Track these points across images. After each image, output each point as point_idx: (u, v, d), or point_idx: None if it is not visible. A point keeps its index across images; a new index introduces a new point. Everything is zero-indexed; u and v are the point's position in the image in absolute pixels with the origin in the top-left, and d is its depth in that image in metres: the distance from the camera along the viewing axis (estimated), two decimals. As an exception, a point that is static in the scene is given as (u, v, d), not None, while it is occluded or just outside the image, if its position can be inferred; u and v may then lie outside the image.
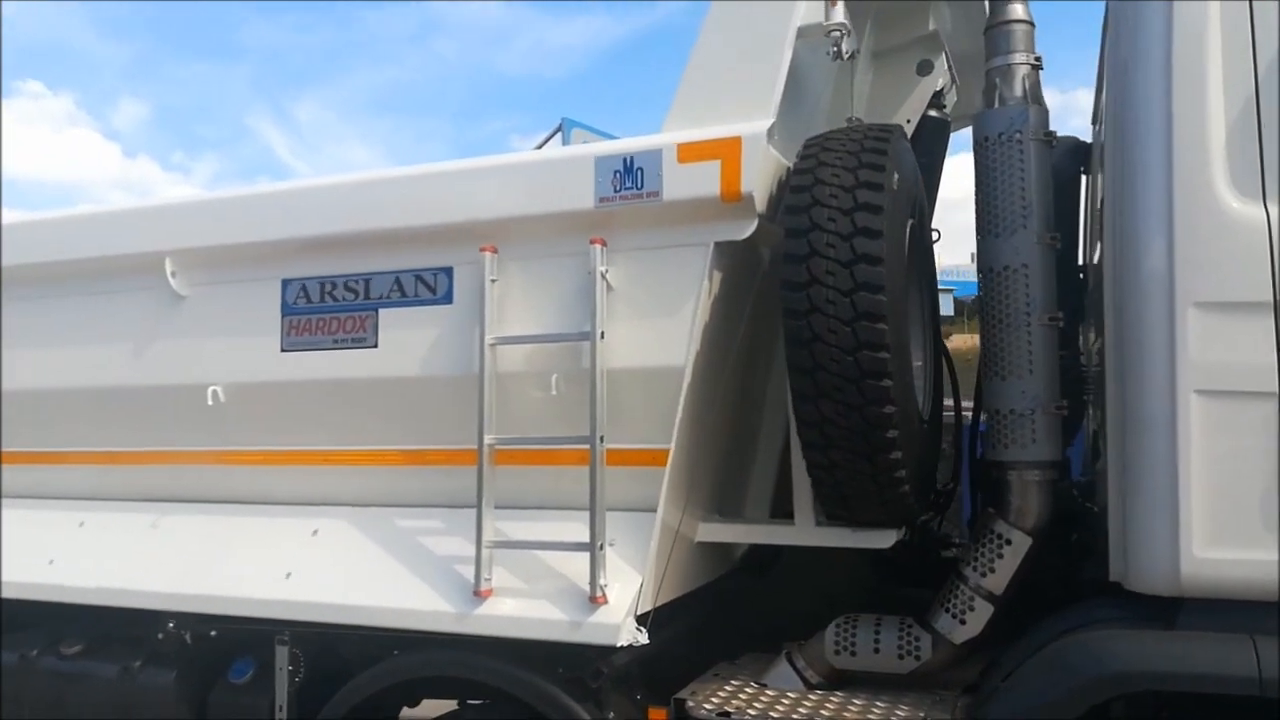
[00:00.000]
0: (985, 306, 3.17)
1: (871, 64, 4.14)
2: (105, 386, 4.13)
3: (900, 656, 3.15)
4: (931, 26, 4.15)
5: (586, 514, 3.33)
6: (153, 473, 4.17)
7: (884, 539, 3.27)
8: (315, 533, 3.79)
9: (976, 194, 3.24)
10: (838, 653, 3.21)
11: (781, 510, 4.29)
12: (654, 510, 3.28)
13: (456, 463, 3.61)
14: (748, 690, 3.23)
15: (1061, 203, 3.48)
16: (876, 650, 3.17)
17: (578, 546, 3.16)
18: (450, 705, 3.78)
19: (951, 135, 4.70)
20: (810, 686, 3.24)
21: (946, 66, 4.28)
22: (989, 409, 3.18)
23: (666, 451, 3.24)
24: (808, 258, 2.86)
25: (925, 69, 4.17)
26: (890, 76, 4.20)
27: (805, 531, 3.41)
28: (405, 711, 3.97)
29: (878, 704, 3.04)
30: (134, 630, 4.13)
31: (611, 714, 3.24)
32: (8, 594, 4.15)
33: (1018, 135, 3.11)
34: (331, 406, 3.76)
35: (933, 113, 4.25)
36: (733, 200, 3.06)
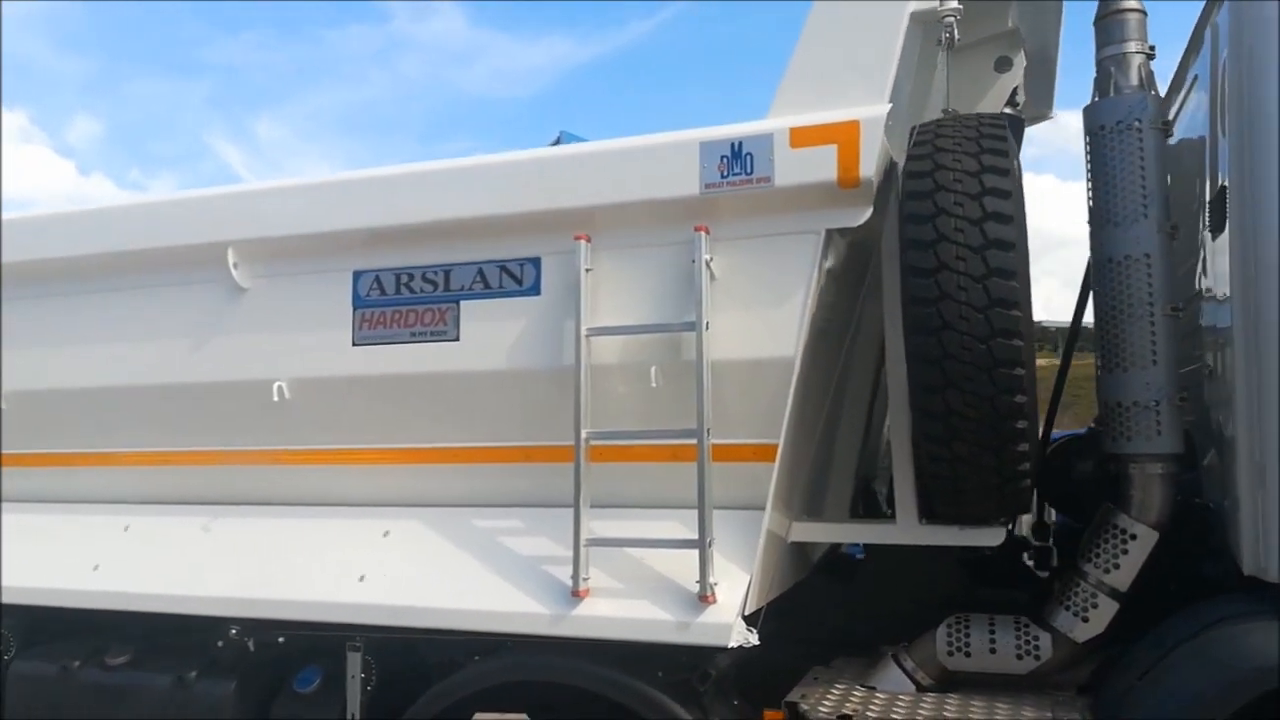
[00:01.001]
0: (1103, 298, 3.11)
1: (950, 59, 4.09)
2: (158, 384, 3.95)
3: (1019, 656, 3.06)
4: (1011, 24, 4.12)
5: (679, 512, 3.25)
6: (206, 474, 3.99)
7: (992, 536, 3.18)
8: (387, 534, 3.63)
9: (1091, 184, 3.19)
10: (951, 654, 3.11)
11: (859, 510, 4.25)
12: (753, 508, 3.19)
13: (539, 460, 3.50)
14: (857, 693, 3.12)
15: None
16: (993, 651, 3.08)
17: (684, 544, 3.04)
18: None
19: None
20: (921, 689, 3.14)
21: (1022, 64, 4.25)
22: (1107, 402, 3.11)
23: (772, 447, 3.15)
24: (935, 243, 2.78)
25: (1004, 65, 4.14)
26: (968, 72, 4.15)
27: (908, 530, 3.31)
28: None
29: (1000, 705, 2.94)
30: (184, 639, 3.95)
31: (715, 719, 3.13)
32: (48, 601, 3.94)
33: (1136, 124, 3.06)
34: (406, 403, 3.61)
35: (1008, 110, 4.22)
36: (850, 186, 2.98)
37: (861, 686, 3.19)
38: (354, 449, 3.75)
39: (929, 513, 3.24)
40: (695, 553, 3.08)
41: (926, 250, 2.79)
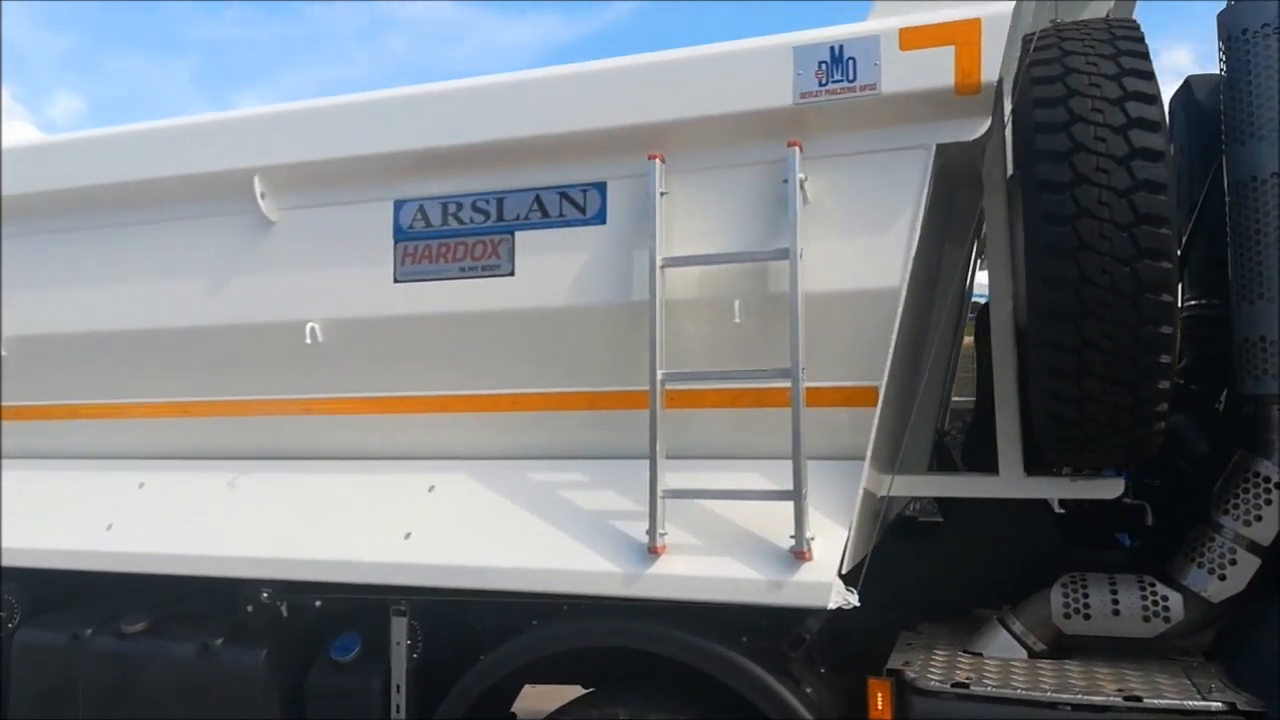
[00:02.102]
0: (1237, 223, 2.81)
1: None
2: (176, 328, 3.60)
3: (1146, 619, 2.77)
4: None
5: (759, 463, 2.97)
6: (229, 425, 3.66)
7: (1109, 488, 2.90)
8: (432, 489, 3.31)
9: (1225, 96, 2.88)
10: (1068, 616, 2.83)
11: (933, 465, 3.96)
12: (845, 458, 2.89)
13: (602, 407, 3.18)
14: (964, 659, 2.83)
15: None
16: (1115, 613, 2.79)
17: (777, 495, 2.74)
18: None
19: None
20: (1033, 654, 2.86)
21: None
22: (1243, 338, 2.81)
23: (871, 390, 2.84)
24: (1071, 154, 2.47)
25: (1095, -15, 3.82)
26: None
27: (1013, 482, 3.02)
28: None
29: (1129, 672, 2.66)
30: (205, 604, 3.65)
31: (809, 689, 2.84)
32: (56, 564, 3.61)
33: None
34: (454, 344, 3.28)
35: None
36: (969, 92, 2.65)
37: (965, 652, 2.91)
38: (394, 396, 3.41)
39: (1037, 463, 2.96)
40: (785, 506, 2.78)
41: (1061, 162, 2.47)
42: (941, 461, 4.08)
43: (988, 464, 3.32)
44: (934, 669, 2.72)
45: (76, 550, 3.57)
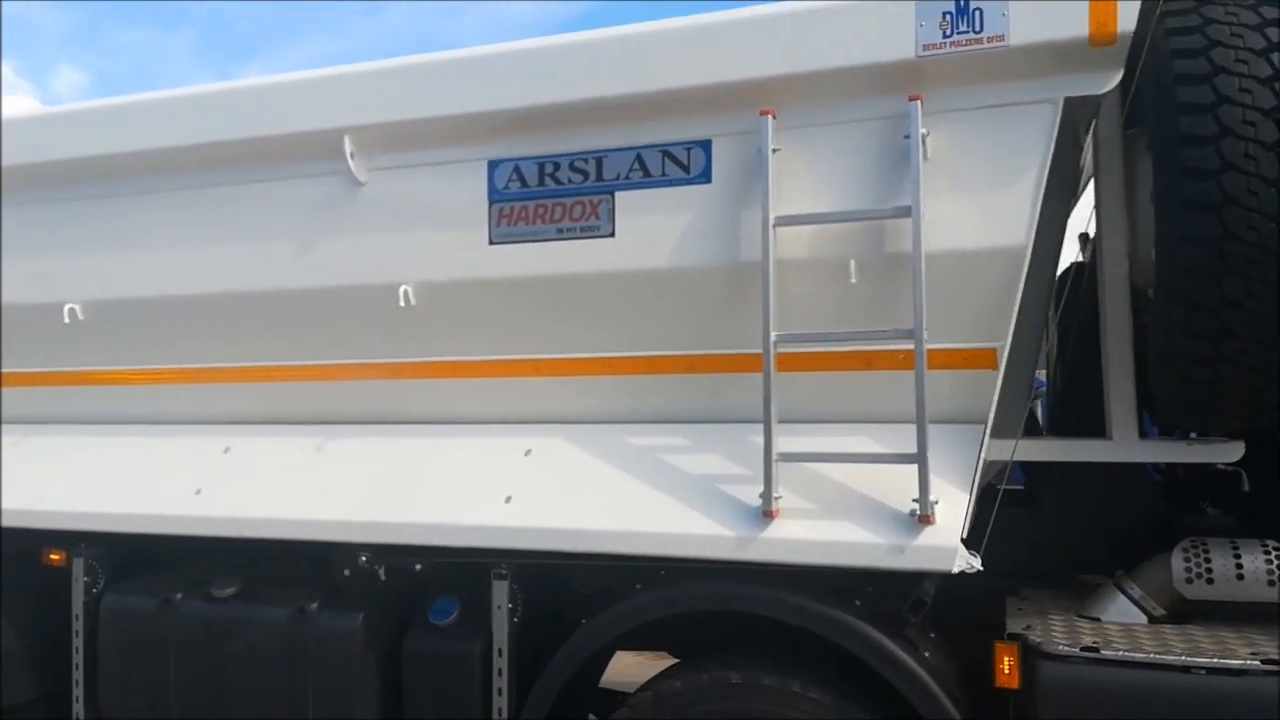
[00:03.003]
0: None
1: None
2: (262, 291, 3.55)
3: (1271, 582, 2.73)
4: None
5: (869, 427, 2.94)
6: (317, 390, 3.62)
7: (1230, 452, 2.86)
8: (528, 453, 3.28)
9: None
10: (1189, 581, 2.79)
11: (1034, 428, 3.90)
12: (962, 421, 2.84)
13: (704, 370, 3.14)
14: (1083, 624, 2.80)
15: None
16: (1239, 577, 2.75)
17: (901, 459, 2.70)
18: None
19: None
20: (1153, 619, 2.83)
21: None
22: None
23: (991, 352, 2.80)
24: (1214, 107, 2.40)
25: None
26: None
27: (1128, 447, 2.98)
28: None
29: (1258, 639, 2.62)
30: (292, 568, 3.64)
31: (926, 654, 2.82)
32: (146, 528, 3.60)
33: None
34: (550, 307, 3.23)
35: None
36: (1104, 43, 2.56)
37: (1081, 617, 2.88)
38: (488, 360, 3.37)
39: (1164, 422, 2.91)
40: (899, 470, 2.74)
41: (1204, 115, 2.40)
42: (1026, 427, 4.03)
43: (1078, 429, 3.28)
44: (1058, 634, 2.69)
45: (166, 515, 3.55)
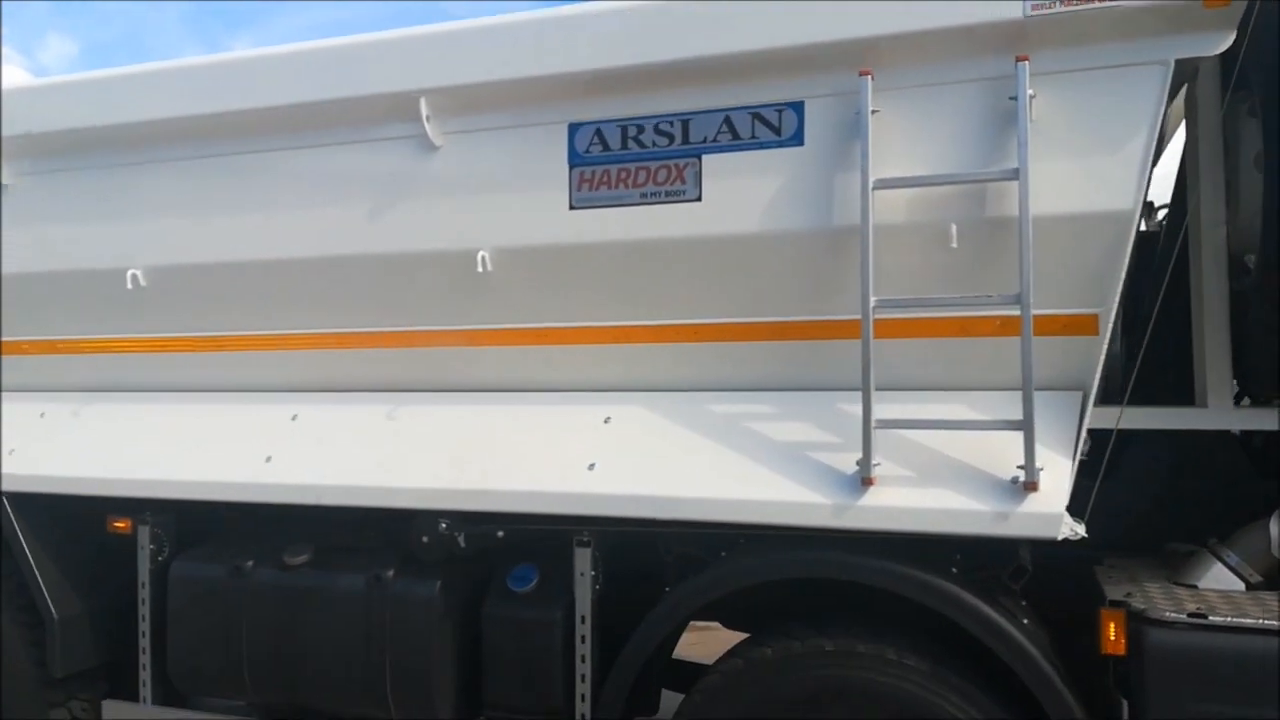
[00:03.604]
0: None
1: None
2: (334, 256, 3.50)
3: (1371, 550, 2.73)
4: None
5: (964, 394, 2.92)
6: (388, 357, 3.58)
7: (1329, 420, 2.84)
8: (608, 421, 3.26)
9: None
10: (1289, 548, 2.78)
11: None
12: (1061, 388, 2.83)
13: (792, 337, 3.10)
14: (1181, 591, 2.79)
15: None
16: (1339, 544, 2.75)
17: (1006, 425, 2.67)
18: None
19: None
20: (1250, 586, 2.81)
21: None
22: None
23: (1093, 317, 2.77)
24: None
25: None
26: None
27: (1223, 414, 2.96)
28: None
29: (1364, 606, 2.62)
30: (365, 535, 3.63)
31: (1025, 620, 2.81)
32: (217, 496, 3.58)
33: None
34: (633, 273, 3.19)
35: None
36: (1219, 3, 2.52)
37: (1177, 584, 2.86)
38: (567, 327, 3.33)
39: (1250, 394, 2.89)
40: (997, 437, 2.73)
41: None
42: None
43: (1157, 396, 3.25)
44: (1159, 601, 2.68)
45: (237, 482, 3.53)
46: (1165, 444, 3.26)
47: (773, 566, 2.90)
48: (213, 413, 3.82)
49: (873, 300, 2.78)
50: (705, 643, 3.80)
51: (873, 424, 2.76)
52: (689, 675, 3.54)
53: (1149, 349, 2.99)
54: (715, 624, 3.70)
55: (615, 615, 3.23)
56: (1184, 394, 3.20)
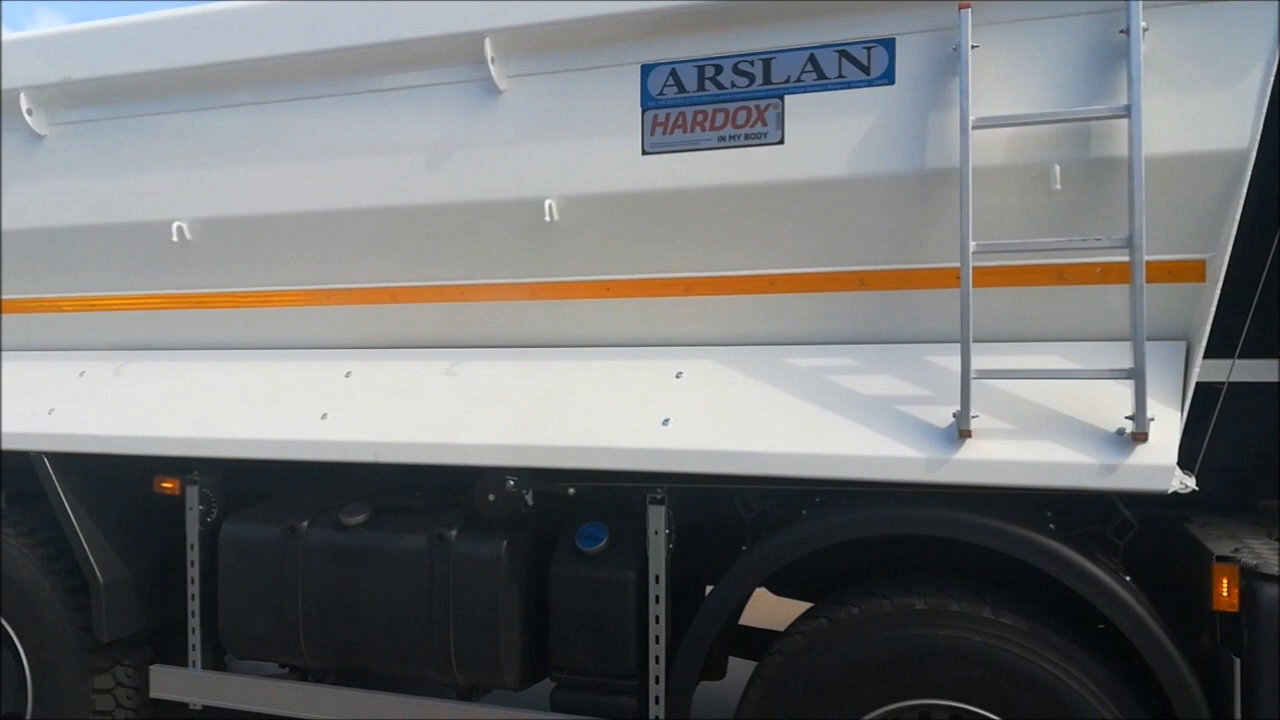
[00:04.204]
0: None
1: None
2: (390, 207, 3.38)
3: None
4: None
5: (1058, 345, 2.81)
6: (446, 312, 3.46)
7: None
8: (679, 376, 3.14)
9: None
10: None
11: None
12: (1166, 338, 2.72)
13: (873, 286, 2.99)
14: (1290, 550, 2.70)
15: None
16: None
17: (1117, 374, 2.56)
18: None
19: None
20: (1354, 544, 2.73)
21: None
22: None
23: (1200, 264, 2.65)
24: None
25: None
26: None
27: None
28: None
29: None
30: (423, 495, 3.54)
31: (1127, 577, 2.71)
32: (272, 454, 3.47)
33: None
34: (708, 221, 3.07)
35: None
36: (1347, -73, 2.40)
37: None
38: (636, 279, 3.21)
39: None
40: (1098, 389, 2.63)
41: None
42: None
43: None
44: (1267, 556, 2.59)
45: (293, 440, 3.42)
46: (1259, 397, 3.16)
47: (865, 523, 2.79)
48: (262, 370, 3.70)
49: (973, 245, 2.67)
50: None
51: (972, 373, 2.65)
52: (755, 642, 3.47)
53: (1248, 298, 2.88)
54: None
55: (688, 575, 3.14)
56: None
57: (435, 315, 3.50)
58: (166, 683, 3.79)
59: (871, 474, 2.77)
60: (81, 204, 3.85)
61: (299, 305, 3.67)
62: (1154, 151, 2.56)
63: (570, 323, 3.35)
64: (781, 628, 3.10)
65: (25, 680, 3.91)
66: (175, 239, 3.65)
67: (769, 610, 3.54)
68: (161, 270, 3.79)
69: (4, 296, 4.11)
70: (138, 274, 3.84)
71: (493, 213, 3.28)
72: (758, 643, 3.45)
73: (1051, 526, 2.72)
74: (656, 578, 3.08)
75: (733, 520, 3.12)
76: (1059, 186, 2.66)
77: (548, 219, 3.15)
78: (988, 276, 2.81)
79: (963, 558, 2.85)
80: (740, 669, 3.27)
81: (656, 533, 3.08)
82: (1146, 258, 2.60)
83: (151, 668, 3.83)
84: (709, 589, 3.17)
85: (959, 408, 2.67)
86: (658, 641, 3.08)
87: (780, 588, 3.54)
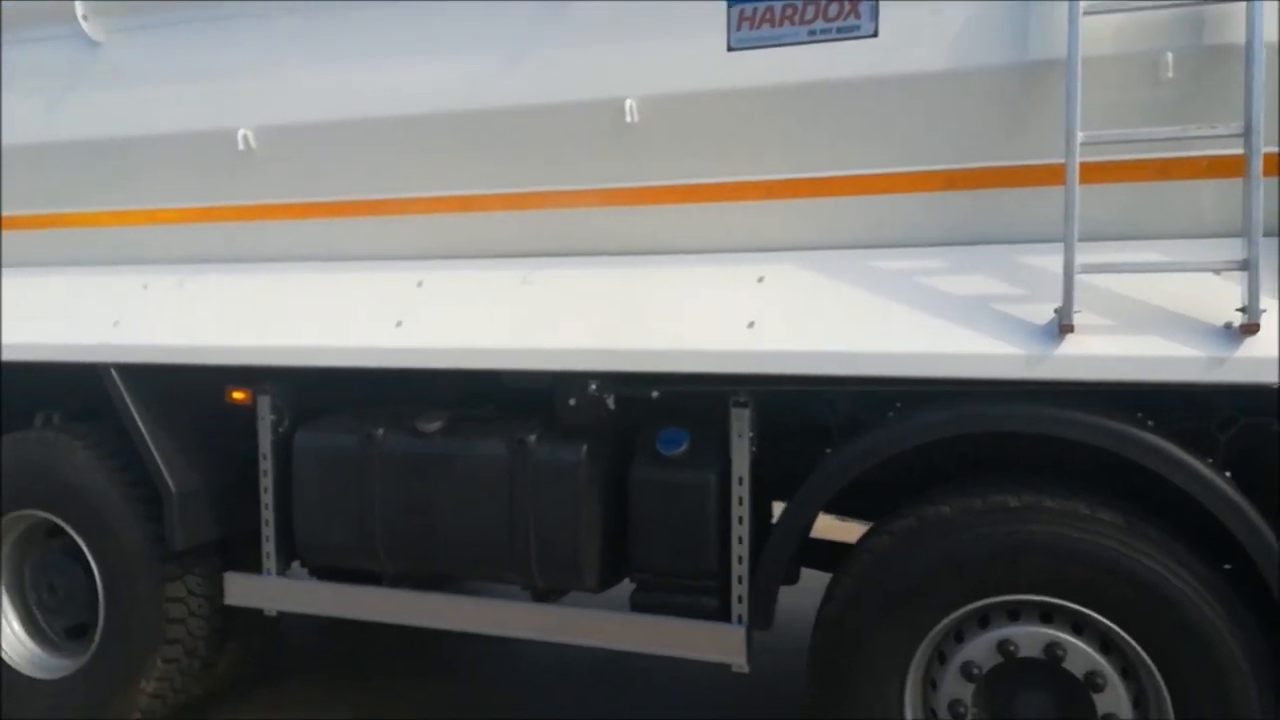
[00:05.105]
0: None
1: None
2: (464, 111, 3.32)
3: None
4: None
5: (1158, 244, 2.75)
6: (518, 220, 3.41)
7: None
8: (761, 280, 3.11)
9: None
10: None
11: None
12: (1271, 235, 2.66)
13: (964, 186, 2.93)
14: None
15: None
16: None
17: (1230, 265, 2.51)
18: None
19: None
20: None
21: None
22: None
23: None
24: None
25: None
26: None
27: None
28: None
29: None
30: (499, 401, 3.53)
31: (1228, 473, 2.70)
32: (351, 361, 3.47)
33: None
34: (797, 120, 3.00)
35: None
36: None
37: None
38: (721, 182, 3.15)
39: None
40: (1202, 283, 2.59)
41: None
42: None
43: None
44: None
45: (370, 348, 3.41)
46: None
47: (964, 420, 2.76)
48: (330, 281, 3.67)
49: (1080, 136, 2.61)
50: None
51: (1076, 267, 2.61)
52: (824, 553, 3.49)
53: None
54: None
55: (780, 478, 3.14)
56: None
57: (508, 224, 3.45)
58: (241, 590, 3.85)
59: (968, 372, 2.74)
60: (141, 113, 3.79)
61: (368, 215, 3.62)
62: (1271, 38, 2.50)
63: (648, 229, 3.29)
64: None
65: (96, 591, 3.98)
66: (241, 147, 3.61)
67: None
68: (226, 181, 3.73)
69: (62, 210, 4.10)
70: (201, 185, 3.79)
71: (570, 115, 3.22)
72: (826, 554, 3.48)
73: (1150, 423, 2.71)
74: (740, 479, 3.09)
75: (814, 424, 3.12)
76: (1171, 75, 2.59)
77: (628, 120, 3.10)
78: (1087, 173, 2.76)
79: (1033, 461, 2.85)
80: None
81: (740, 436, 3.07)
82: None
83: (226, 575, 3.88)
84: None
85: (1060, 304, 2.64)
86: (741, 542, 3.10)
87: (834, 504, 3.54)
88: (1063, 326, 2.62)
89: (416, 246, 3.59)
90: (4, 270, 4.20)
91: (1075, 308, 2.62)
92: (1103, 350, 2.61)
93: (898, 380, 2.83)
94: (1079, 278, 2.63)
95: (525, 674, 4.79)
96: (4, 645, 4.19)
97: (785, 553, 2.98)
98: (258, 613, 3.93)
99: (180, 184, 3.84)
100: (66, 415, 4.24)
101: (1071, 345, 2.63)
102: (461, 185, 3.46)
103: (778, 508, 3.25)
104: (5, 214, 4.15)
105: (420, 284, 3.53)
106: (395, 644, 4.86)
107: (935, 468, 3.01)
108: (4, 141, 4.00)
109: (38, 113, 3.99)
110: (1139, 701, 2.70)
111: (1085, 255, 2.65)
